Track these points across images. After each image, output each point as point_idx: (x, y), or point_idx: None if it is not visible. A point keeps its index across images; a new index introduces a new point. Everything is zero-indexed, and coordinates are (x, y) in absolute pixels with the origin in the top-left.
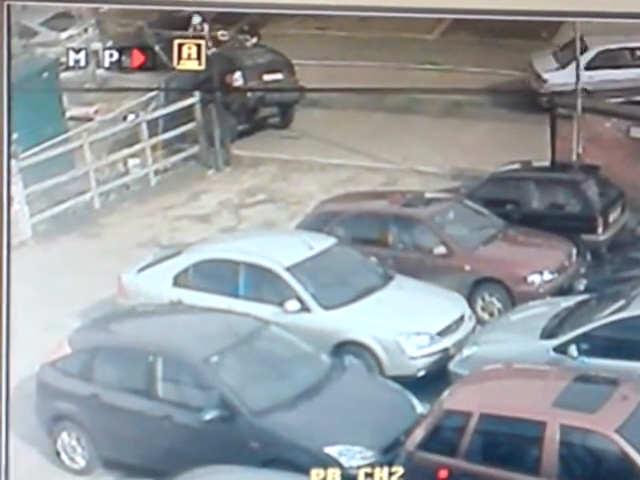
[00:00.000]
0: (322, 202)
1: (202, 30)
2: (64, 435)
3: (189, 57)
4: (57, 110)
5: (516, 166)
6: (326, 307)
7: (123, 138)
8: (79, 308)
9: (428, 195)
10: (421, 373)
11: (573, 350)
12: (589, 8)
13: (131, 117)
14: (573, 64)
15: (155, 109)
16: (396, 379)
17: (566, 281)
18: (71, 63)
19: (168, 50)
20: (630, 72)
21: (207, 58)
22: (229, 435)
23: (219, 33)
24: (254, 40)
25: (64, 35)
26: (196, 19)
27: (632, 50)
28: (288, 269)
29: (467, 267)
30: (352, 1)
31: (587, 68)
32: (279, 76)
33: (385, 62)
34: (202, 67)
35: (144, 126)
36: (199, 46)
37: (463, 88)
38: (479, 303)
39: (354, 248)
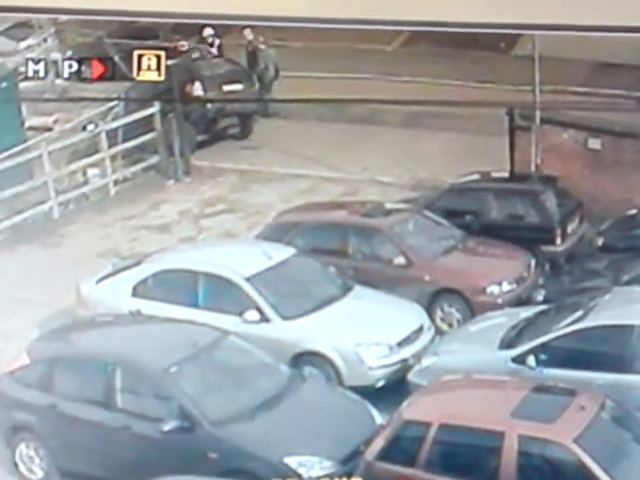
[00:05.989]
0: (282, 212)
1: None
2: (22, 446)
3: (149, 68)
4: (16, 120)
5: (475, 177)
6: (285, 317)
7: (82, 148)
8: (38, 318)
9: (388, 205)
10: (380, 383)
11: (531, 360)
12: (548, 21)
13: (90, 127)
14: None
15: (114, 119)
16: (355, 389)
17: (525, 292)
18: (30, 73)
19: (128, 60)
20: None
21: (167, 68)
22: (188, 445)
23: (179, 44)
24: (214, 51)
25: (23, 45)
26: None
27: None
28: (248, 279)
29: (426, 277)
30: (312, 13)
31: None
32: (239, 87)
33: (345, 73)
34: (162, 78)
35: (103, 136)
36: (159, 57)
37: (422, 99)
38: (438, 313)
39: (313, 258)
